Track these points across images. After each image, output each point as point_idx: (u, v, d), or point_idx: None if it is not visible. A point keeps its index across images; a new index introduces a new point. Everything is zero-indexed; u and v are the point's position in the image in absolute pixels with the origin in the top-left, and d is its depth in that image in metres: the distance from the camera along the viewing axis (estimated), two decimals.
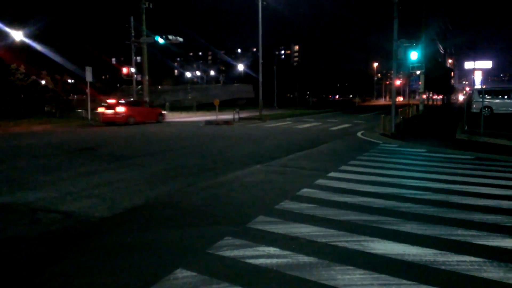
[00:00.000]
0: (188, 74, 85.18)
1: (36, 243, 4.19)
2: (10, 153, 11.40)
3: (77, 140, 14.55)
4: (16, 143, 13.84)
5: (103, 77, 73.24)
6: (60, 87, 31.53)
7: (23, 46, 33.98)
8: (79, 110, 29.46)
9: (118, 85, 61.23)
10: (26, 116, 25.48)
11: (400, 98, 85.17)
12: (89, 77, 25.92)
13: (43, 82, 31.90)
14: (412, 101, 35.94)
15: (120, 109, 22.44)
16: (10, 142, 13.92)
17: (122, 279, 3.33)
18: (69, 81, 37.00)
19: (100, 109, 23.75)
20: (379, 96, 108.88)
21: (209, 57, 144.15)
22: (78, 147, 12.29)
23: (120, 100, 25.42)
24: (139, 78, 34.15)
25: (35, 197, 6.03)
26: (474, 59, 28.17)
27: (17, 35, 28.47)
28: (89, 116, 26.19)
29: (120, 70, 33.20)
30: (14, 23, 29.89)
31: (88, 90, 26.39)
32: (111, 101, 24.42)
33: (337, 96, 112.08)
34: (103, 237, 4.36)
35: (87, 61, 34.77)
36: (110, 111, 22.57)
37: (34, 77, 30.68)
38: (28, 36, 32.91)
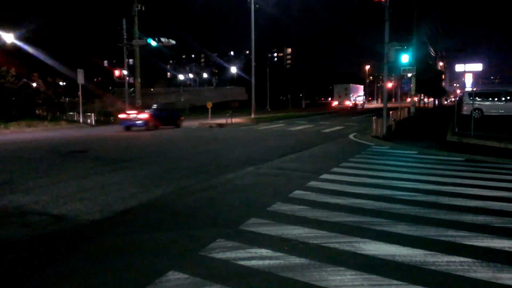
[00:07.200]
0: (181, 77, 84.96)
1: (27, 246, 4.16)
2: (0, 156, 11.31)
3: (68, 143, 14.47)
4: (6, 146, 13.73)
5: (95, 79, 72.83)
6: (52, 89, 31.30)
7: (14, 49, 33.72)
8: (71, 113, 29.31)
9: (110, 87, 61.03)
10: (17, 118, 25.24)
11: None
12: (80, 79, 25.87)
13: (34, 84, 31.67)
14: (403, 104, 36.10)
15: None
16: (0, 145, 13.79)
17: (114, 282, 3.33)
18: (61, 83, 36.76)
19: None
20: (371, 98, 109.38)
21: (202, 60, 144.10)
22: (70, 150, 12.22)
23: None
24: (131, 80, 34.00)
25: (27, 200, 5.99)
26: (465, 62, 28.46)
27: (8, 37, 28.24)
28: (81, 119, 26.09)
29: (112, 73, 33.12)
30: (5, 25, 29.65)
31: (80, 93, 26.29)
32: None
33: (330, 99, 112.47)
34: (94, 240, 4.35)
35: (79, 63, 34.54)
36: None
37: (25, 80, 30.44)
38: (19, 38, 32.66)
